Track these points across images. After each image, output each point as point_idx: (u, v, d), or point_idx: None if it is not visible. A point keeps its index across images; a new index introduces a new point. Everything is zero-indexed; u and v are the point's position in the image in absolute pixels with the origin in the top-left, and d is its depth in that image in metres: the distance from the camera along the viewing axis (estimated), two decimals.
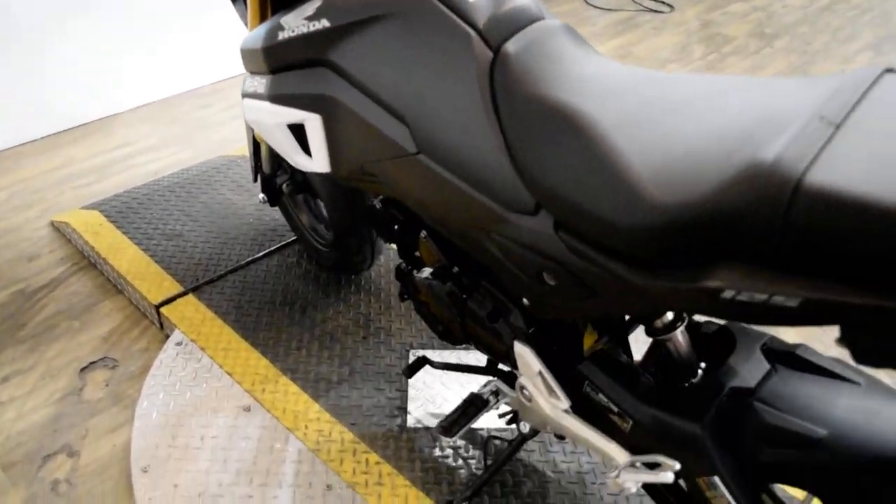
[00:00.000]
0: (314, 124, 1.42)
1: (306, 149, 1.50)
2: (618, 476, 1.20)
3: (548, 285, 1.16)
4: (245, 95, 1.58)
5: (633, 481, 1.19)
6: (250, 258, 2.38)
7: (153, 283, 2.28)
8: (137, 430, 1.84)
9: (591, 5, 4.87)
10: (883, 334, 0.83)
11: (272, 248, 2.43)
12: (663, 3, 4.87)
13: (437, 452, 1.77)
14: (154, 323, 2.23)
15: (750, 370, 1.15)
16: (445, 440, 1.79)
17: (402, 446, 1.79)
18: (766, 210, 0.82)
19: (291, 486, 1.70)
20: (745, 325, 1.24)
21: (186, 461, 1.76)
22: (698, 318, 1.30)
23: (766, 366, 1.15)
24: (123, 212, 2.65)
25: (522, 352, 1.34)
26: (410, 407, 1.88)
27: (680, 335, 1.20)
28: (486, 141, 1.17)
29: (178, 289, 2.26)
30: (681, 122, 0.99)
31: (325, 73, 1.39)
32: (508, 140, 1.15)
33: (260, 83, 1.51)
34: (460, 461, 1.76)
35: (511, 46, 1.18)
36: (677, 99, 1.03)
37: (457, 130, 1.20)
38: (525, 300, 1.27)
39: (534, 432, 1.54)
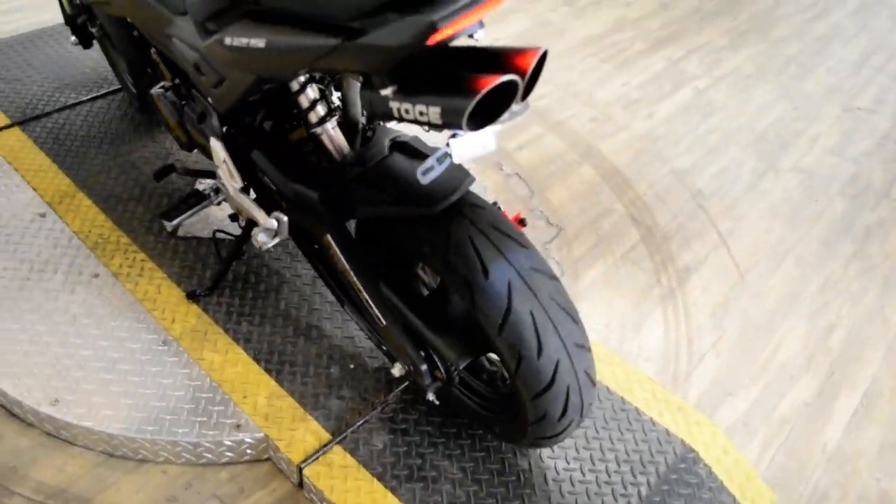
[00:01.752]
0: None
1: None
2: (255, 237, 1.54)
3: (205, 77, 1.46)
4: None
5: (263, 236, 1.52)
6: (76, 100, 2.64)
7: None
8: None
9: None
10: (348, 69, 1.13)
11: (98, 94, 2.68)
12: None
13: (198, 256, 2.10)
14: None
15: (371, 156, 1.47)
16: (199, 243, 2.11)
17: (168, 248, 2.11)
18: None
19: (64, 273, 2.01)
20: (385, 125, 1.55)
21: None
22: (380, 125, 1.59)
23: (384, 152, 1.47)
24: None
25: (215, 146, 1.65)
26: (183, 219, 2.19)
27: (331, 129, 1.49)
28: None
29: (5, 121, 2.52)
30: None
31: None
32: None
33: None
34: (215, 264, 2.09)
35: None
36: None
37: None
38: (209, 99, 1.57)
39: (251, 224, 1.86)
